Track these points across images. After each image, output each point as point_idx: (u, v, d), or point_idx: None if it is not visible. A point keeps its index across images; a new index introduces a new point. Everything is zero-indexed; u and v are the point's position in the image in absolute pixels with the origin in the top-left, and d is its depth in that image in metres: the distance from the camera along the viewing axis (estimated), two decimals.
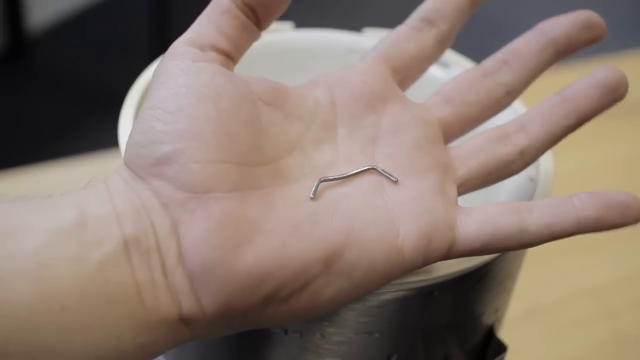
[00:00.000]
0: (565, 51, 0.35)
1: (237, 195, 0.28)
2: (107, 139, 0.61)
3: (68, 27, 1.81)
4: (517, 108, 0.40)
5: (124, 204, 0.27)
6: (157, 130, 0.28)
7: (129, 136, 0.29)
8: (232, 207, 0.27)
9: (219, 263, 0.27)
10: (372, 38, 0.44)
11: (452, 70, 0.42)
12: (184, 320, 0.27)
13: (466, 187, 0.33)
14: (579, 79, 0.34)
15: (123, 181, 0.28)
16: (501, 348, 0.37)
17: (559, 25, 0.34)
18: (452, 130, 0.34)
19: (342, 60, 0.43)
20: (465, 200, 0.33)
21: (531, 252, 0.38)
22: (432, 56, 0.35)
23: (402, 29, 0.35)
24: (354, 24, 0.51)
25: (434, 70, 0.42)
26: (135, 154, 0.28)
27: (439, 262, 0.31)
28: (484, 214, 0.30)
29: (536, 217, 0.30)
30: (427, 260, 0.30)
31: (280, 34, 0.44)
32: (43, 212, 0.26)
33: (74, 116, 1.58)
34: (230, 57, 0.31)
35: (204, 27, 0.31)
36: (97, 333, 0.26)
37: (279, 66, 0.37)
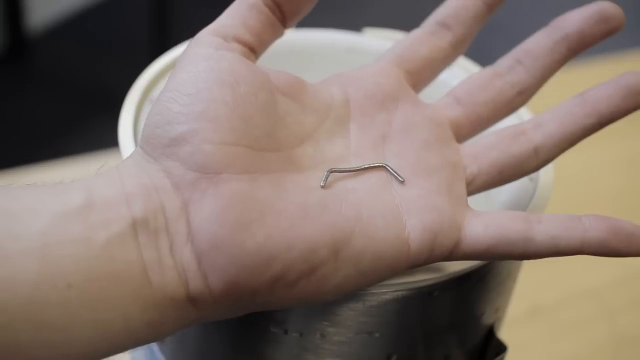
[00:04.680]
0: (579, 47, 0.34)
1: (247, 177, 0.28)
2: (107, 139, 0.61)
3: (68, 27, 1.81)
4: (522, 114, 0.40)
5: (134, 186, 0.28)
6: (174, 111, 0.28)
7: (147, 118, 0.29)
8: (243, 187, 0.28)
9: (228, 240, 0.27)
10: (372, 38, 0.44)
11: (453, 70, 0.42)
12: (191, 300, 0.27)
13: (477, 184, 0.33)
14: (603, 82, 0.33)
15: (135, 164, 0.29)
16: (501, 348, 0.37)
17: (571, 21, 0.34)
18: (464, 131, 0.34)
19: (341, 60, 0.43)
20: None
21: None
22: (446, 60, 0.35)
23: (417, 32, 0.35)
24: (354, 24, 0.51)
25: None
26: (151, 134, 0.29)
27: (439, 262, 0.31)
28: (493, 218, 0.31)
29: (544, 228, 0.30)
30: (431, 256, 0.30)
31: None
32: (51, 195, 0.27)
33: (74, 116, 1.58)
34: (252, 50, 0.31)
35: (230, 19, 0.31)
36: (103, 311, 0.26)
37: (279, 66, 0.37)
